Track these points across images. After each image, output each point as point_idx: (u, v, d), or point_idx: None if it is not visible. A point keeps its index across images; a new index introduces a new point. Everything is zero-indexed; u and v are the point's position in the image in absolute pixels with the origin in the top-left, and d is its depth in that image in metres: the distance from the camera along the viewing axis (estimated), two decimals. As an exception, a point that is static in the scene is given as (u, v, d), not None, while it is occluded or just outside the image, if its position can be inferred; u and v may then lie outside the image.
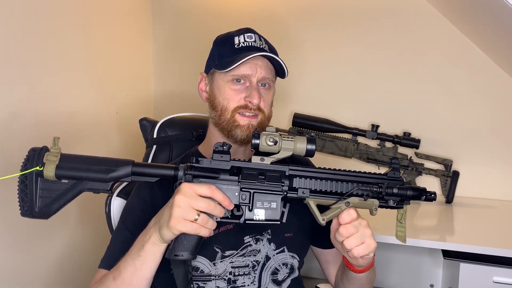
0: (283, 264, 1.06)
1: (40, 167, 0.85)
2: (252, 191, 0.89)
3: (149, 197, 1.04)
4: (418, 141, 1.77)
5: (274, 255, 1.05)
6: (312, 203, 0.90)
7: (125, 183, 1.21)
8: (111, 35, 1.89)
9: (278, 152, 0.90)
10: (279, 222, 0.89)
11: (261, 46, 1.05)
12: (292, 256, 1.07)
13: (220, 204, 0.85)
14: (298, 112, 1.86)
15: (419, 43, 1.95)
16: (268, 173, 0.89)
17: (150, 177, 0.87)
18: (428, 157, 1.83)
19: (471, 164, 1.92)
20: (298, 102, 2.09)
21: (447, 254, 1.49)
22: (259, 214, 0.88)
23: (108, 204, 1.20)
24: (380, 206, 0.92)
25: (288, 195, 0.90)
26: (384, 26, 1.98)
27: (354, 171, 0.93)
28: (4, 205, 1.29)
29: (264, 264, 1.04)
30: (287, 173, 0.91)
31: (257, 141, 0.88)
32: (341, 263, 1.12)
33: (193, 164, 0.88)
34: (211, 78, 1.07)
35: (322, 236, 1.12)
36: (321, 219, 0.90)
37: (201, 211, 0.82)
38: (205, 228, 0.83)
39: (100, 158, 0.89)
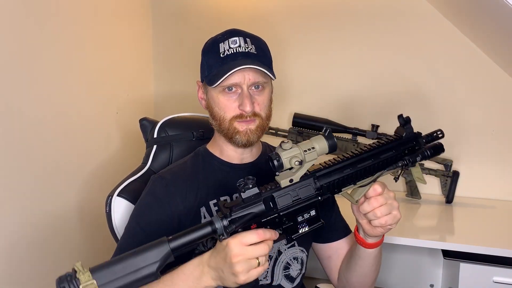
0: (293, 258, 1.09)
1: None
2: (291, 210, 0.88)
3: (164, 196, 1.04)
4: (418, 141, 1.77)
5: (285, 250, 1.08)
6: (345, 193, 0.94)
7: (126, 182, 1.22)
8: (111, 35, 1.89)
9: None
10: (322, 224, 0.91)
11: (246, 50, 1.02)
12: (302, 250, 1.11)
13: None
14: (298, 112, 1.86)
15: (418, 43, 1.95)
16: (299, 189, 0.89)
17: (191, 244, 0.82)
18: (428, 157, 1.83)
19: (471, 164, 1.92)
20: (298, 102, 2.09)
21: (447, 254, 1.49)
22: (303, 226, 0.89)
23: (108, 204, 1.20)
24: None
25: (322, 197, 0.91)
26: (384, 26, 1.98)
27: (374, 147, 0.95)
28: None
29: (276, 259, 1.07)
30: (315, 180, 0.90)
31: (280, 162, 0.84)
32: (348, 251, 1.14)
33: (230, 217, 0.83)
34: (205, 88, 1.08)
35: (324, 231, 1.15)
36: (355, 201, 0.94)
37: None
38: (267, 264, 0.85)
39: (132, 255, 0.80)
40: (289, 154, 0.84)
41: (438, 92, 1.95)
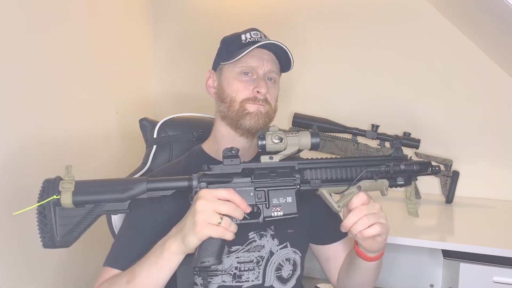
0: (286, 259, 1.08)
1: (57, 196, 0.86)
2: (266, 189, 0.91)
3: None
4: (418, 141, 1.77)
5: (277, 251, 1.07)
6: (325, 192, 0.93)
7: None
8: (111, 35, 1.89)
9: (284, 149, 0.92)
10: (297, 215, 0.91)
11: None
12: (295, 252, 1.10)
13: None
14: (298, 112, 1.86)
15: (419, 43, 1.95)
16: (279, 170, 0.92)
17: (165, 190, 0.90)
18: (428, 157, 1.83)
19: (471, 164, 1.92)
20: (298, 102, 2.09)
21: (447, 254, 1.49)
22: (277, 210, 0.91)
23: (108, 204, 1.20)
24: (390, 186, 0.96)
25: (301, 187, 0.93)
26: (384, 26, 1.98)
27: (360, 157, 0.97)
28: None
29: (268, 260, 1.06)
30: (296, 168, 0.94)
31: (263, 142, 0.90)
32: (347, 254, 1.13)
33: (206, 172, 0.90)
34: (219, 74, 1.11)
35: (321, 233, 1.15)
36: (336, 206, 0.92)
37: (223, 214, 0.84)
38: (229, 231, 0.84)
39: (114, 179, 0.91)
40: (273, 133, 0.91)
41: (438, 92, 1.95)
